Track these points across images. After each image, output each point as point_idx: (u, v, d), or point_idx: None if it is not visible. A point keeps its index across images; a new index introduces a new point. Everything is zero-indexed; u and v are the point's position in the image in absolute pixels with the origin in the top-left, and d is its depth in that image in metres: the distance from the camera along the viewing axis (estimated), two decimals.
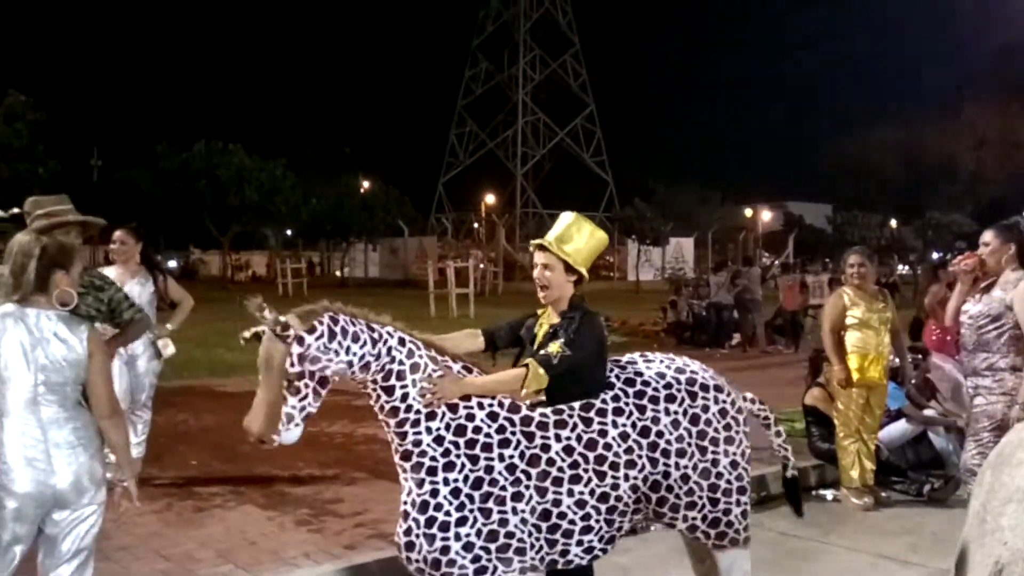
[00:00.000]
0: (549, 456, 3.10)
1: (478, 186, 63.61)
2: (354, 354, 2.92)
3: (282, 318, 2.81)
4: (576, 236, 3.37)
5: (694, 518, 3.32)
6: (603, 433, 3.17)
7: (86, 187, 34.93)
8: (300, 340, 2.81)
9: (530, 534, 3.06)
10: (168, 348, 5.93)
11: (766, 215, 57.69)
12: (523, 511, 3.05)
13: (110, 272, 5.30)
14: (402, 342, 3.04)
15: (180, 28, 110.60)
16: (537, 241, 3.41)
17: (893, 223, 48.11)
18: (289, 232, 45.56)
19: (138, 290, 5.57)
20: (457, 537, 2.96)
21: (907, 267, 42.29)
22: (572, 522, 3.11)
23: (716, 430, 3.34)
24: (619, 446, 3.18)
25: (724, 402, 3.40)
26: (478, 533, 2.98)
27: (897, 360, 6.37)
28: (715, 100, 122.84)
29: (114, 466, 3.19)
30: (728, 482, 3.34)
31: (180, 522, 5.03)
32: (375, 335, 2.98)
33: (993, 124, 56.55)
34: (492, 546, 2.99)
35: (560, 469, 3.10)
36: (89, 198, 28.45)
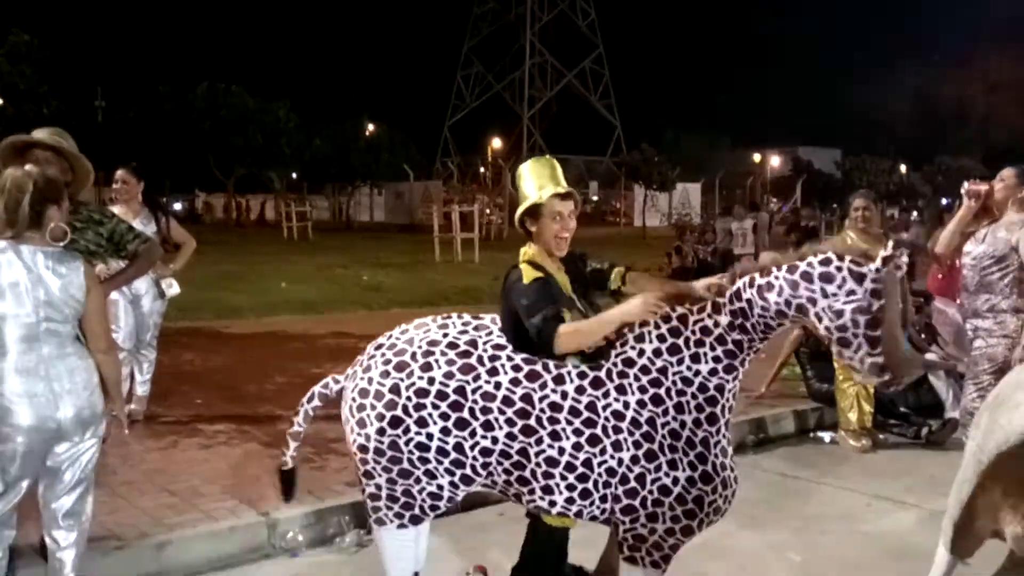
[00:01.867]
0: None
1: (484, 130, 63.19)
2: None
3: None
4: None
5: None
6: None
7: (91, 128, 34.71)
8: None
9: None
10: (172, 288, 5.96)
11: (775, 160, 57.22)
12: None
13: None
14: None
15: None
16: (566, 188, 3.25)
17: (903, 168, 47.74)
18: (294, 175, 45.38)
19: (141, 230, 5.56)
20: None
21: (916, 213, 42.01)
22: None
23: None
24: None
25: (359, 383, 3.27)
26: None
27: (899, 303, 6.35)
28: (726, 44, 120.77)
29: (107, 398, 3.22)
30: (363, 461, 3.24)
31: (185, 459, 5.11)
32: None
33: (1008, 68, 55.66)
34: None
35: None
36: (94, 139, 28.35)
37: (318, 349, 8.86)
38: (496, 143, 59.55)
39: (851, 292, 2.84)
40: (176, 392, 6.67)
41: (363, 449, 3.21)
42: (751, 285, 2.99)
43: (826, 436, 6.28)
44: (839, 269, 2.85)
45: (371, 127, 45.31)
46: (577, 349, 3.08)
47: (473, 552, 4.04)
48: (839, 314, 2.86)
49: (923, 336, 7.16)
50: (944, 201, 34.66)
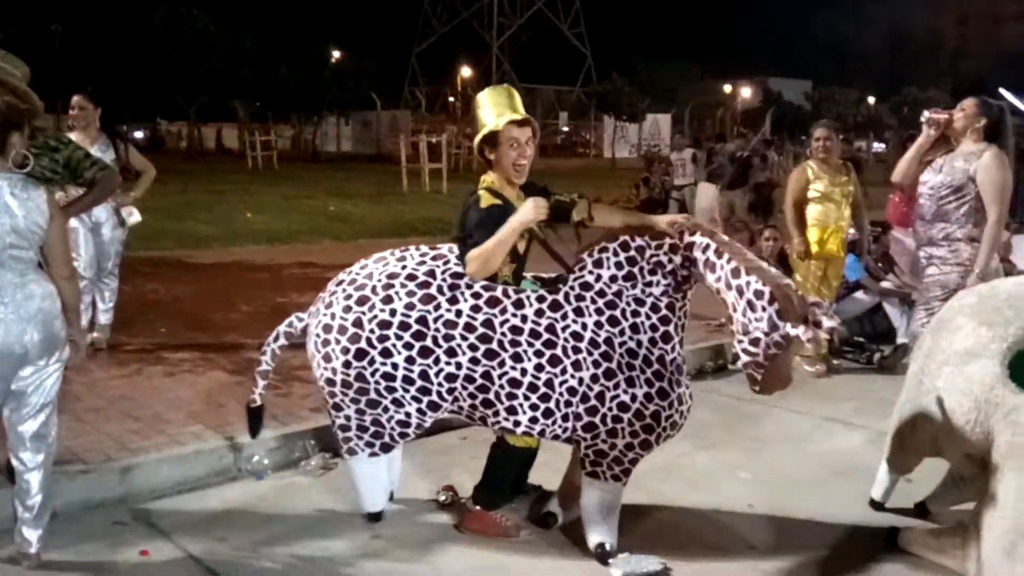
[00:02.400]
0: None
1: (453, 58, 62.01)
2: None
3: None
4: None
5: None
6: None
7: (48, 54, 33.59)
8: None
9: None
10: (133, 216, 5.90)
11: (745, 92, 56.95)
12: None
13: None
14: None
15: None
16: (523, 115, 3.27)
17: (871, 100, 47.85)
18: (259, 104, 44.42)
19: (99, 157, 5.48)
20: None
21: (883, 145, 42.32)
22: None
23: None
24: None
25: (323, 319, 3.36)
26: None
27: (856, 232, 6.47)
28: None
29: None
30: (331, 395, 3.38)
31: (150, 386, 5.14)
32: None
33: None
34: None
35: None
36: (51, 65, 27.51)
37: (284, 279, 8.85)
38: (465, 72, 58.58)
39: (756, 337, 2.99)
40: (140, 321, 6.66)
41: (330, 382, 3.30)
42: (703, 251, 3.12)
43: None
44: (764, 309, 2.95)
45: (337, 55, 44.32)
46: (487, 270, 3.16)
47: (438, 474, 4.14)
48: (744, 327, 3.02)
49: (880, 265, 7.31)
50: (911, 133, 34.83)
